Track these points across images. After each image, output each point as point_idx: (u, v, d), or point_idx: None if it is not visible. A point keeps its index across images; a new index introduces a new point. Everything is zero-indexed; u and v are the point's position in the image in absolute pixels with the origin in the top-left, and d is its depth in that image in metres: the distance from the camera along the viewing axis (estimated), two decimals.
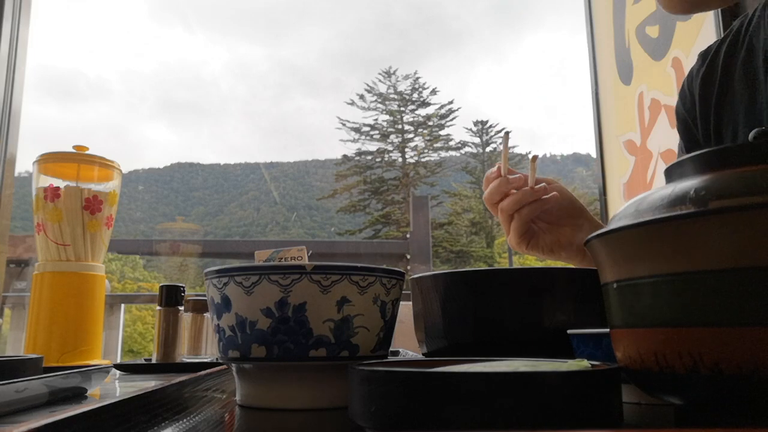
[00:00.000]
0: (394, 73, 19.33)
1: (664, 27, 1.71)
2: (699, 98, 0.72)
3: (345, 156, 18.53)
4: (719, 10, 1.42)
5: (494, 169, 0.75)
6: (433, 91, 19.06)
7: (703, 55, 0.74)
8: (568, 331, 0.43)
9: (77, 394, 0.50)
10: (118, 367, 0.79)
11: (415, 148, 18.64)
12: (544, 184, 0.72)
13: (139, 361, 0.85)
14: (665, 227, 0.25)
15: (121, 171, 1.05)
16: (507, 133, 0.76)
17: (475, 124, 19.09)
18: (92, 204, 0.97)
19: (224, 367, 0.57)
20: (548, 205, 0.73)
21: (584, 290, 0.51)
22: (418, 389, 0.26)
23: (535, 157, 0.72)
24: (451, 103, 19.24)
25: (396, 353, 0.94)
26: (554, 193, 0.73)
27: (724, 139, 0.69)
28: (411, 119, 19.01)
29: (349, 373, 0.31)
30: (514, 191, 0.72)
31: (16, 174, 1.83)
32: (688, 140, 0.75)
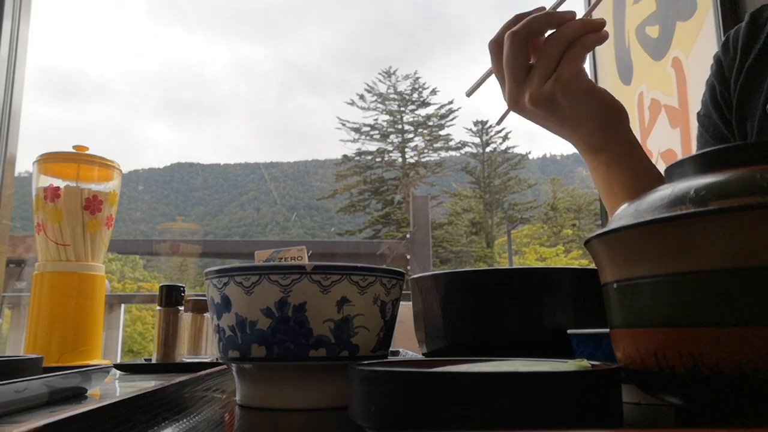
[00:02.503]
0: (394, 73, 19.34)
1: (664, 27, 1.71)
2: (740, 53, 0.73)
3: (345, 156, 18.54)
4: (719, 10, 1.42)
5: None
6: (433, 91, 19.07)
7: (753, 18, 0.74)
8: (568, 331, 0.43)
9: (77, 394, 0.50)
10: (118, 367, 0.79)
11: (415, 148, 18.65)
12: (602, 18, 0.56)
13: (139, 361, 0.85)
14: (665, 227, 0.25)
15: (121, 171, 1.05)
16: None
17: (475, 124, 19.09)
18: (92, 204, 0.97)
19: (224, 367, 0.57)
20: (602, 42, 0.57)
21: (584, 290, 0.51)
22: (418, 389, 0.26)
23: None
24: (451, 103, 19.24)
25: (396, 353, 0.94)
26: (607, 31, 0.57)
27: (749, 101, 0.70)
28: (411, 119, 19.02)
29: (349, 373, 0.31)
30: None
31: (16, 174, 1.83)
32: (721, 82, 0.76)
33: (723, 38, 0.79)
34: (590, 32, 0.56)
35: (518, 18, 0.58)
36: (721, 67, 0.77)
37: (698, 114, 0.80)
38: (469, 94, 0.67)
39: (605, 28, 0.56)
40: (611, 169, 0.63)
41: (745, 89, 0.71)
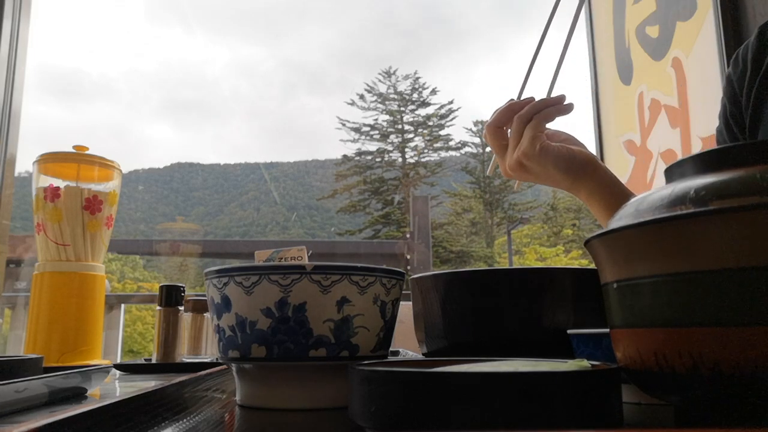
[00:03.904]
0: (394, 73, 19.33)
1: (664, 27, 1.71)
2: (750, 67, 0.75)
3: (345, 156, 18.53)
4: (719, 10, 1.42)
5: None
6: (433, 91, 19.06)
7: (762, 30, 0.76)
8: (568, 331, 0.43)
9: (77, 394, 0.50)
10: (118, 367, 0.79)
11: (415, 148, 18.64)
12: (563, 94, 0.72)
13: (139, 361, 0.85)
14: (665, 227, 0.25)
15: (121, 171, 1.05)
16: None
17: (475, 124, 19.08)
18: (92, 204, 0.97)
19: (224, 367, 0.57)
20: (567, 112, 0.71)
21: (584, 290, 0.51)
22: (418, 389, 0.26)
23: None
24: (451, 103, 19.25)
25: (396, 353, 0.94)
26: (572, 102, 0.72)
27: (762, 110, 0.72)
28: (411, 119, 19.01)
29: (349, 373, 0.31)
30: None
31: (16, 174, 1.83)
32: (734, 104, 0.78)
33: (729, 52, 0.80)
34: (549, 107, 0.70)
35: (496, 110, 0.74)
36: (732, 87, 0.78)
37: (716, 128, 0.81)
38: (489, 173, 0.92)
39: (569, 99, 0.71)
40: (591, 201, 0.75)
41: (759, 100, 0.72)
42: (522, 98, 0.74)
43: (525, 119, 0.71)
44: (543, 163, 0.71)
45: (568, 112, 0.71)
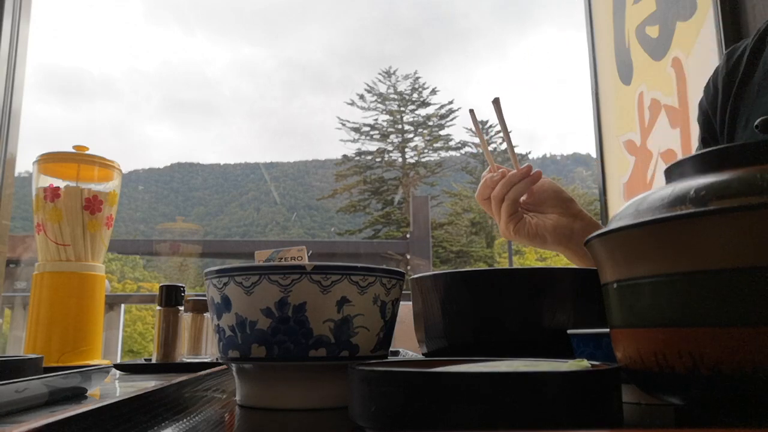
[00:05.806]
0: (394, 73, 19.33)
1: (664, 27, 1.71)
2: (721, 92, 0.76)
3: (345, 156, 18.53)
4: (719, 10, 1.42)
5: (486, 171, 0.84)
6: (433, 91, 19.06)
7: (729, 54, 0.77)
8: (568, 331, 0.43)
9: (77, 394, 0.50)
10: (118, 367, 0.79)
11: (415, 148, 18.64)
12: (528, 164, 0.79)
13: (139, 361, 0.85)
14: (665, 227, 0.25)
15: (121, 171, 1.05)
16: (471, 111, 0.83)
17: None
18: (92, 204, 0.97)
19: (224, 367, 0.57)
20: (535, 182, 0.78)
21: (584, 290, 0.51)
22: (418, 389, 0.26)
23: (510, 148, 0.81)
24: (451, 103, 19.24)
25: (396, 353, 0.94)
26: (539, 170, 0.79)
27: (736, 128, 0.72)
28: (411, 119, 19.01)
29: (349, 373, 0.31)
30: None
31: (16, 174, 1.82)
32: (707, 130, 0.79)
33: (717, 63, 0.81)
34: (517, 182, 0.76)
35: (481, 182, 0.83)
36: (705, 115, 0.79)
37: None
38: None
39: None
40: (578, 263, 0.81)
41: (732, 124, 0.73)
42: (495, 162, 0.83)
43: (498, 200, 0.78)
44: (520, 241, 0.80)
45: (536, 182, 0.78)
